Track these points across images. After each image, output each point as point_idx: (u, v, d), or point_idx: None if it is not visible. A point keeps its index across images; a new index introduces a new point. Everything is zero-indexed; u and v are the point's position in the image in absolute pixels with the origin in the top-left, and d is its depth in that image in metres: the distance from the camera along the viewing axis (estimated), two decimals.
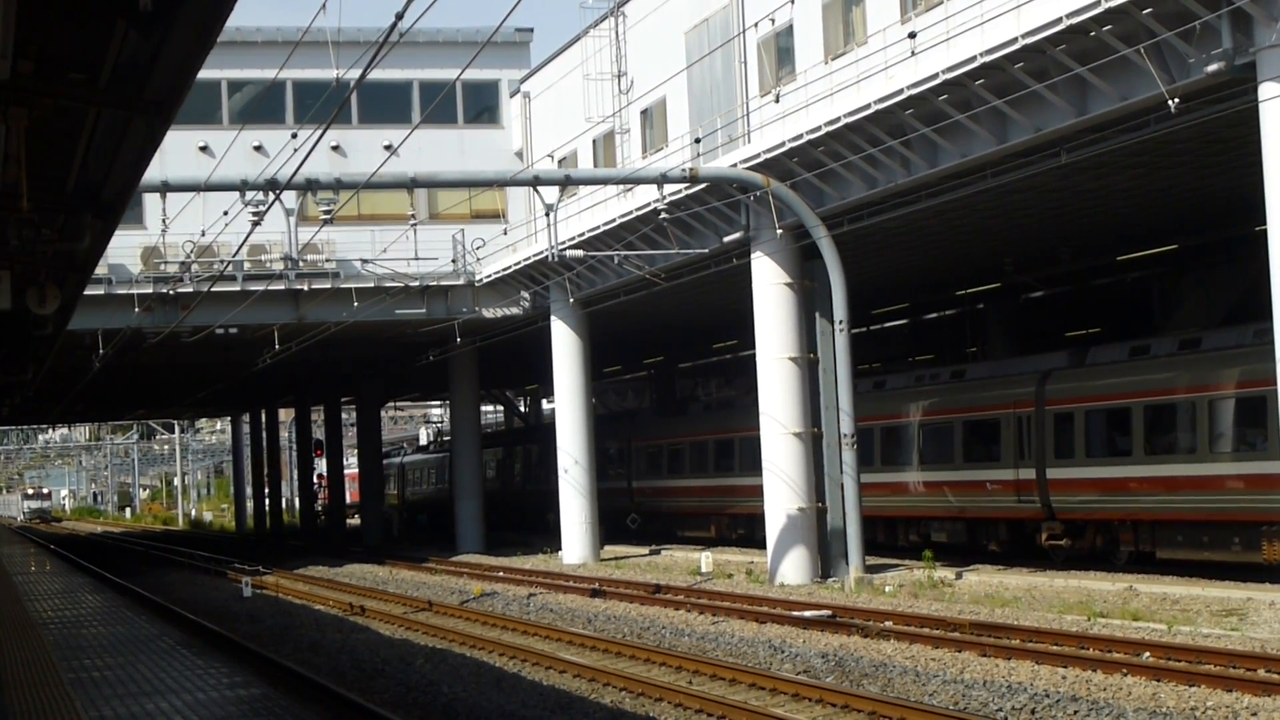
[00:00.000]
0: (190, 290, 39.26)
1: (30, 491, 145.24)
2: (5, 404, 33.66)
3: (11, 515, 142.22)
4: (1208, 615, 22.82)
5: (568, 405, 42.68)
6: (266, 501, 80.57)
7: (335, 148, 43.91)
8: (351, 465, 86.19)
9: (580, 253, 35.46)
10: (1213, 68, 21.35)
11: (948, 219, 31.74)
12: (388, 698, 18.77)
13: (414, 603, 32.07)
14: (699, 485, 46.14)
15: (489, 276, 43.28)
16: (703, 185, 32.24)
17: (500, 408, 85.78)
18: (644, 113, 39.35)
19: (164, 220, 30.42)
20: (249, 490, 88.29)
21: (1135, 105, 22.98)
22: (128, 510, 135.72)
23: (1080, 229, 34.60)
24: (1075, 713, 15.60)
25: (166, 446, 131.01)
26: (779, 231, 31.14)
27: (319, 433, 78.24)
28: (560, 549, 42.84)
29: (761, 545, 34.53)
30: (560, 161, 42.17)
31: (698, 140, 33.40)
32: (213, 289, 38.57)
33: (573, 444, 42.26)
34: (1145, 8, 21.54)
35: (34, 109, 10.58)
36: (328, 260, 42.52)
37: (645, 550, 44.15)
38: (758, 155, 30.72)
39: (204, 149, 42.46)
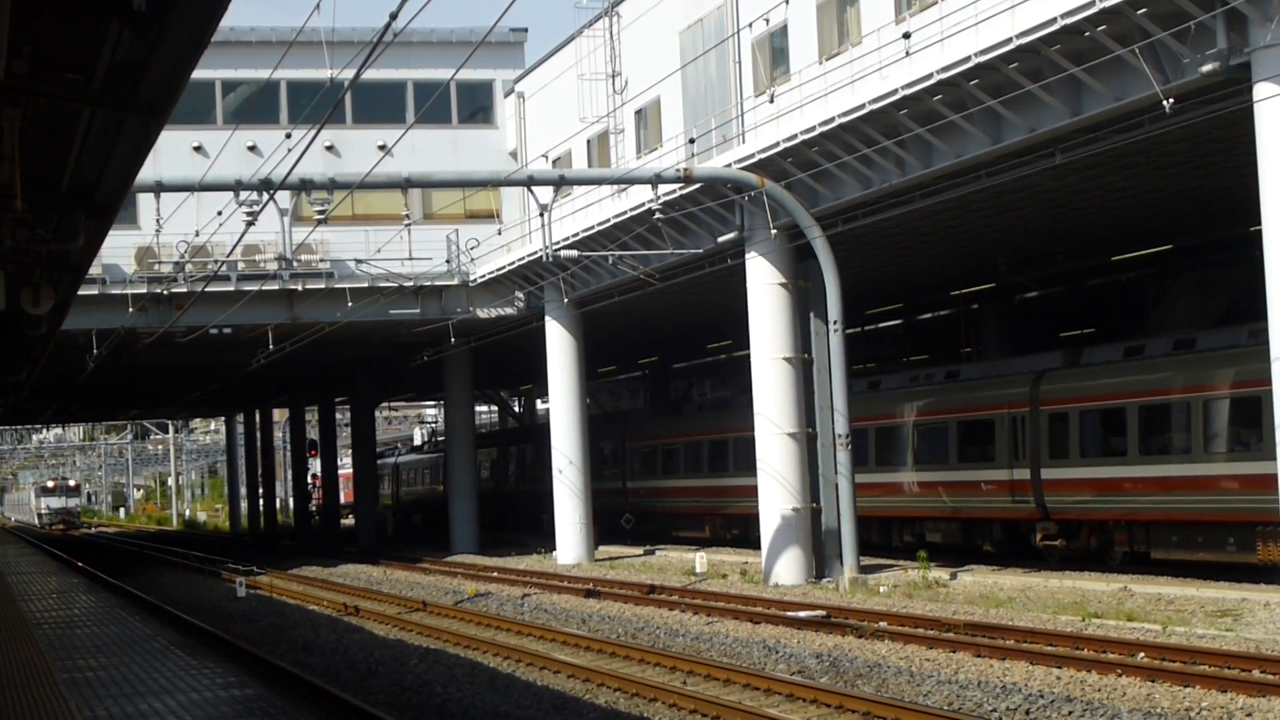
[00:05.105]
0: (184, 290, 39.21)
1: (50, 485, 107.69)
2: None
3: (24, 519, 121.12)
4: (1202, 616, 22.82)
5: (562, 405, 42.64)
6: (261, 502, 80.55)
7: (329, 148, 43.84)
8: (346, 465, 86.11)
9: (575, 253, 35.42)
10: (1207, 68, 21.35)
11: (942, 219, 31.75)
12: (382, 698, 18.75)
13: (408, 603, 32.04)
14: (694, 485, 46.12)
15: (483, 277, 43.26)
16: (697, 185, 32.23)
17: (495, 408, 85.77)
18: (638, 113, 39.31)
19: (158, 220, 30.42)
20: (243, 490, 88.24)
21: (1130, 105, 22.99)
22: (122, 510, 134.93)
23: (1075, 229, 34.61)
24: (1070, 713, 15.60)
25: (161, 447, 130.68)
26: (773, 232, 31.12)
27: (313, 433, 78.18)
28: (555, 549, 42.80)
29: (756, 546, 34.52)
30: (554, 161, 42.12)
31: (692, 140, 33.38)
32: (207, 289, 38.53)
33: (567, 444, 42.24)
34: (1140, 8, 21.55)
35: (28, 109, 10.56)
36: (322, 260, 42.49)
37: (640, 551, 44.12)
38: (752, 155, 30.71)
39: (198, 149, 42.40)
